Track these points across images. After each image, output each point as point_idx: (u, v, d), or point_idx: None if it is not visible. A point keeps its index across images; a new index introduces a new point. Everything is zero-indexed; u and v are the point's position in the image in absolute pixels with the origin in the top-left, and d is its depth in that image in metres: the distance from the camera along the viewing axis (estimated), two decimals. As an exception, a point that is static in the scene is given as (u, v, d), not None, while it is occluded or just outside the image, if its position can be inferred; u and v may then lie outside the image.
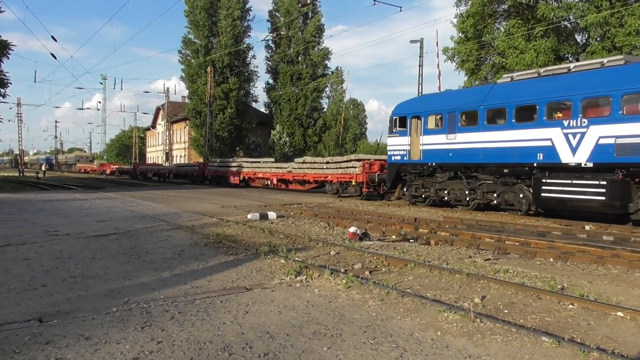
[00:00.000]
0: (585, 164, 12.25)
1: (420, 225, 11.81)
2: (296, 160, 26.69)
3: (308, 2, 29.96)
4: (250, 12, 44.95)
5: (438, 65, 40.35)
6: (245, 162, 31.71)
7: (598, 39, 18.83)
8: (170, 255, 8.00)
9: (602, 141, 11.90)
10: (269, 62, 46.25)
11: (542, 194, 13.10)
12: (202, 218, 13.17)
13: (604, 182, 11.85)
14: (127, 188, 29.58)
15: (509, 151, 13.93)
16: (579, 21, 19.08)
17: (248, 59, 45.21)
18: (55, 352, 3.87)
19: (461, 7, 22.80)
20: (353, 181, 20.95)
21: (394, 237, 10.21)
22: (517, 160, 13.76)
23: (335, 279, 6.27)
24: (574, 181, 12.46)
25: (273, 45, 45.88)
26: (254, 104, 48.67)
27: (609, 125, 11.79)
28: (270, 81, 46.89)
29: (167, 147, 55.53)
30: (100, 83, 68.18)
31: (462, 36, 22.92)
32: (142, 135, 78.72)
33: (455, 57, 23.10)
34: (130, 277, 6.49)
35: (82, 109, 79.75)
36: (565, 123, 12.65)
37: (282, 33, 41.42)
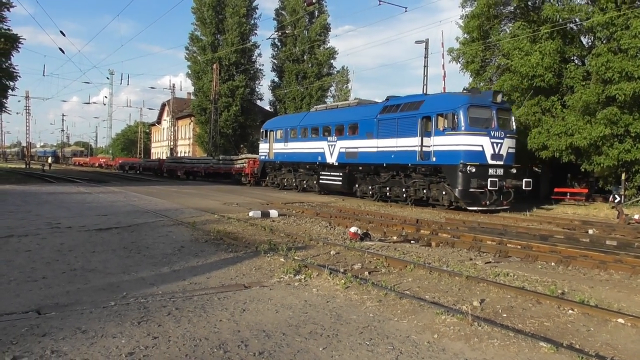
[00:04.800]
0: (335, 163, 20.64)
1: (422, 227, 11.78)
2: (215, 157, 34.39)
3: (313, 1, 30.52)
4: (256, 10, 44.85)
5: (443, 66, 39.97)
6: (187, 159, 40.03)
7: (604, 40, 18.68)
8: (170, 251, 8.01)
9: (341, 150, 20.26)
10: (275, 60, 46.08)
11: (320, 181, 21.68)
12: (204, 214, 13.17)
13: (341, 174, 20.28)
14: (130, 183, 29.69)
15: (308, 155, 22.44)
16: (584, 23, 18.91)
17: (254, 57, 45.14)
18: (51, 344, 3.88)
19: (467, 8, 22.60)
20: (243, 173, 29.21)
21: (395, 237, 10.19)
22: (311, 160, 22.24)
23: (333, 278, 6.25)
24: (331, 173, 20.96)
25: (279, 44, 45.80)
26: (258, 102, 48.63)
27: (344, 141, 20.14)
28: (276, 79, 46.75)
29: (172, 143, 55.67)
30: (107, 78, 68.22)
31: (468, 37, 22.76)
32: (148, 131, 78.94)
33: (460, 58, 22.92)
34: (130, 272, 6.50)
35: (88, 103, 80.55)
36: (329, 139, 21.09)
37: (287, 32, 41.22)
